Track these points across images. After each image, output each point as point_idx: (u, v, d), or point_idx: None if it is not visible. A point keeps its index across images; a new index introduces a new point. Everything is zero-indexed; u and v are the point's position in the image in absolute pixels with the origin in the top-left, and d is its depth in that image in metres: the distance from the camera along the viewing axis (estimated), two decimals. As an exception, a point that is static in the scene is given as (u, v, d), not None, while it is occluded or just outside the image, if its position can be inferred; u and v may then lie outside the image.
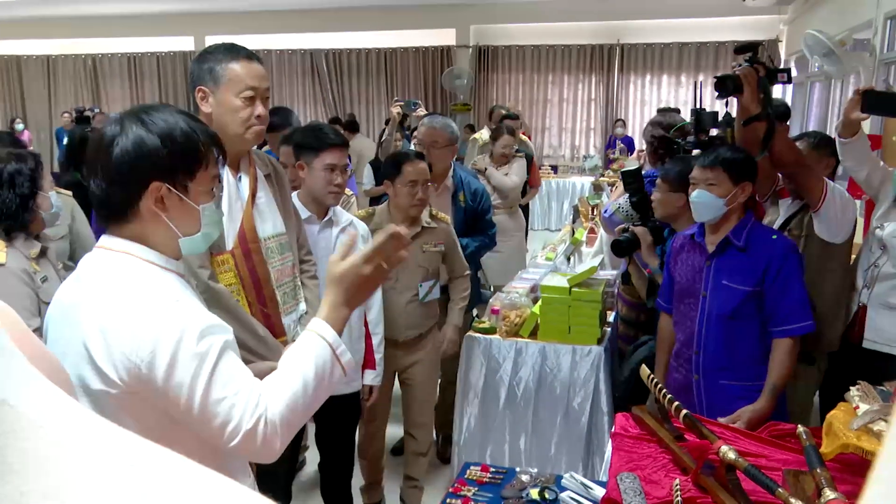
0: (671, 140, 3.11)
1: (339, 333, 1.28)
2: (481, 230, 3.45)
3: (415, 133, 3.94)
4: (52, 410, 0.34)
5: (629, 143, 9.85)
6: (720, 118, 2.86)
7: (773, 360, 2.25)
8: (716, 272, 2.32)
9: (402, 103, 4.67)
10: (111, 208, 1.25)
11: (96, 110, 8.48)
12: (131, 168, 1.21)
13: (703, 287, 2.34)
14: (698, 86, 2.99)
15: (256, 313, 1.98)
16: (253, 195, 2.01)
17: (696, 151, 2.85)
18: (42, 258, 2.28)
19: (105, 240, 1.27)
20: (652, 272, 2.80)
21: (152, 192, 1.22)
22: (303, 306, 2.18)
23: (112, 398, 1.15)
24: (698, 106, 2.89)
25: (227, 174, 1.95)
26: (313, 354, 1.24)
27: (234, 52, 1.90)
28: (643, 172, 3.20)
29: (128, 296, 1.18)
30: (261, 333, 1.94)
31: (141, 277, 1.22)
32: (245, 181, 2.01)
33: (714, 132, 2.82)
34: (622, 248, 2.85)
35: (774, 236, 2.32)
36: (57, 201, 2.46)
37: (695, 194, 2.32)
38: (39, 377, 0.36)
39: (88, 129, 7.45)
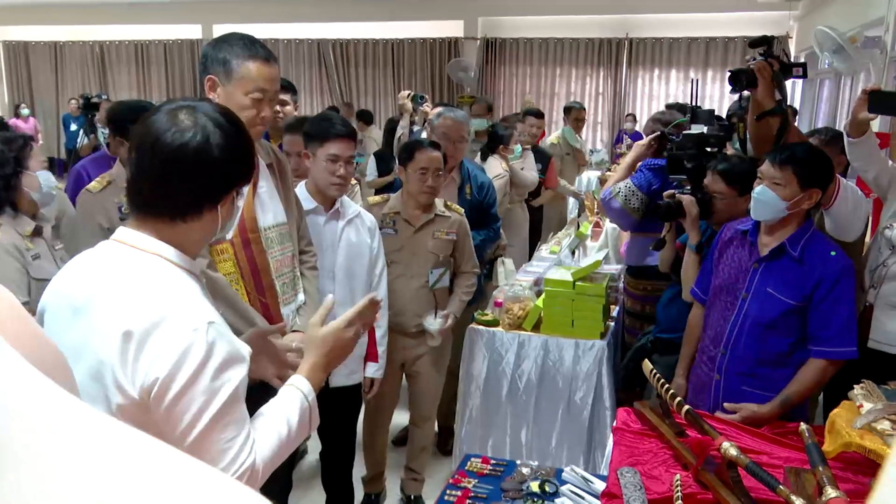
0: (665, 136, 3.10)
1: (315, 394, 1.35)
2: (486, 224, 3.43)
3: (424, 125, 3.94)
4: (29, 395, 0.33)
5: (637, 139, 9.78)
6: (728, 111, 2.84)
7: (799, 374, 2.12)
8: (762, 277, 2.18)
9: (410, 96, 4.67)
10: (183, 209, 1.19)
11: (103, 97, 8.46)
12: (229, 172, 1.21)
13: (744, 289, 2.20)
14: (695, 83, 2.95)
15: (254, 303, 1.97)
16: (254, 184, 2.00)
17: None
18: (37, 237, 2.33)
19: (128, 234, 1.20)
20: (685, 247, 2.66)
21: (229, 197, 1.23)
22: (301, 297, 2.17)
23: (126, 409, 1.12)
24: (695, 103, 2.88)
25: None
26: (298, 407, 1.29)
27: (253, 50, 1.84)
28: (653, 160, 3.18)
29: (160, 305, 1.12)
30: (258, 324, 1.92)
31: (174, 286, 1.16)
32: None
33: (701, 128, 2.77)
34: (662, 212, 2.67)
35: (833, 252, 2.13)
36: (50, 181, 2.47)
37: (758, 190, 2.15)
38: (17, 359, 0.35)
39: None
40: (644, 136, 3.50)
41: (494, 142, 4.62)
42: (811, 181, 2.10)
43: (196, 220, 1.21)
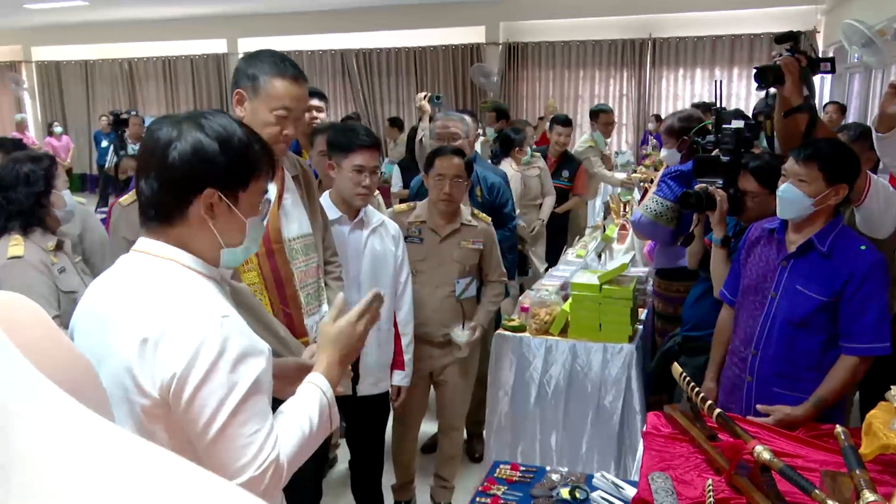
0: (692, 140, 3.06)
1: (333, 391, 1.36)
2: (501, 224, 3.41)
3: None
4: (41, 406, 0.33)
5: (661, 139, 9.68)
6: (755, 110, 2.79)
7: (831, 372, 2.07)
8: (791, 274, 2.14)
9: (427, 97, 4.67)
10: (159, 211, 1.23)
11: (133, 113, 8.65)
12: (188, 172, 1.21)
13: (773, 287, 2.17)
14: (719, 84, 2.90)
15: (278, 313, 1.98)
16: (279, 196, 2.02)
17: (716, 151, 2.79)
18: (58, 251, 2.44)
19: (145, 243, 1.25)
20: (711, 243, 2.61)
21: (205, 199, 1.22)
22: (326, 307, 2.17)
23: (149, 410, 1.14)
24: (719, 104, 2.83)
25: None
26: (318, 404, 1.29)
27: (282, 68, 1.85)
28: (673, 168, 3.14)
29: (174, 307, 1.15)
30: (282, 334, 1.94)
31: (187, 288, 1.19)
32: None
33: (740, 123, 2.71)
34: (689, 202, 2.60)
35: (863, 247, 2.09)
36: (71, 200, 2.58)
37: (783, 188, 2.12)
38: (27, 366, 0.35)
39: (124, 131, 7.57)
40: (662, 136, 3.47)
41: (506, 145, 4.65)
42: (837, 176, 2.06)
43: (182, 223, 1.23)
